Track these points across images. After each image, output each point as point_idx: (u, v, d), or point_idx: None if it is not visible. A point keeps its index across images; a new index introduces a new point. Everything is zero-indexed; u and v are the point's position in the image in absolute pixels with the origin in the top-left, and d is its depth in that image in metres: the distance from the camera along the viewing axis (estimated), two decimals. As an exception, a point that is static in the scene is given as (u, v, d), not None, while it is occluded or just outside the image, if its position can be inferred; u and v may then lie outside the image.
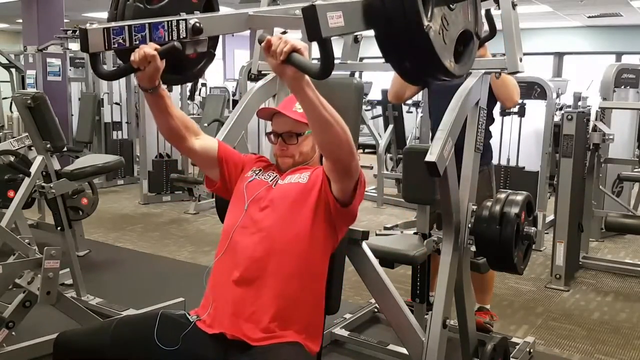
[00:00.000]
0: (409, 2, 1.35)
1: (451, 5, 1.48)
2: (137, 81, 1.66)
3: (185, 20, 1.67)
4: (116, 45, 1.51)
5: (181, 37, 1.65)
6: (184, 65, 1.80)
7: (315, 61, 1.41)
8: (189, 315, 1.70)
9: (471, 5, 1.62)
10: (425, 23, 1.38)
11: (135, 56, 1.53)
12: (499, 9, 1.85)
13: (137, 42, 1.54)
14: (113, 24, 1.52)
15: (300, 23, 1.98)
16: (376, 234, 2.84)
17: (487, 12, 1.84)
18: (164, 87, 1.70)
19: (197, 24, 1.69)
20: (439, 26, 1.45)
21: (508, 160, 5.07)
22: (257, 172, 1.86)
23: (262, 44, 1.41)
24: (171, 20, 1.63)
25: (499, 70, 2.04)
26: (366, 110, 7.89)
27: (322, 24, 1.29)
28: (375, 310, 3.26)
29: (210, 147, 1.83)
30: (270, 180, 1.82)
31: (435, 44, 1.41)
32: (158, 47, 1.56)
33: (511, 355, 2.50)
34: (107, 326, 1.69)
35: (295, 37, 1.43)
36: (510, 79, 2.71)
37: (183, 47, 1.67)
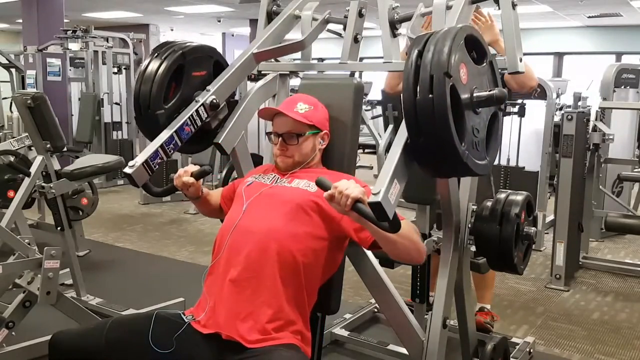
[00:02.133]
0: (447, 142, 1.39)
1: (477, 110, 1.50)
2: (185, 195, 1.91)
3: (202, 104, 1.89)
4: (157, 166, 1.77)
5: (204, 120, 1.90)
6: (213, 132, 1.98)
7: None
8: (184, 315, 1.70)
9: (490, 76, 1.62)
10: (462, 150, 1.42)
11: (176, 182, 1.83)
12: (499, 9, 1.84)
13: (172, 150, 1.81)
14: (147, 153, 1.76)
15: (301, 45, 2.09)
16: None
17: None
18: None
19: (214, 101, 1.92)
20: (471, 140, 1.48)
21: (508, 160, 5.07)
22: (256, 177, 1.88)
23: (325, 195, 1.46)
24: (191, 114, 1.86)
25: (499, 70, 2.03)
26: (366, 110, 7.88)
27: (388, 210, 1.37)
28: (375, 310, 3.26)
29: (216, 203, 2.00)
30: (270, 181, 1.82)
31: (470, 164, 1.46)
32: (194, 169, 1.83)
33: (511, 355, 2.50)
34: (102, 327, 1.68)
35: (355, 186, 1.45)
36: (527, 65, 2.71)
37: (208, 123, 1.93)
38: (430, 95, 1.38)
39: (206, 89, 1.93)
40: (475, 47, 1.54)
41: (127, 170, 1.72)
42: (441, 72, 1.37)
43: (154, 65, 1.91)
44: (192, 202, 2.01)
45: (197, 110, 1.87)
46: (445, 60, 1.38)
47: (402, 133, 1.50)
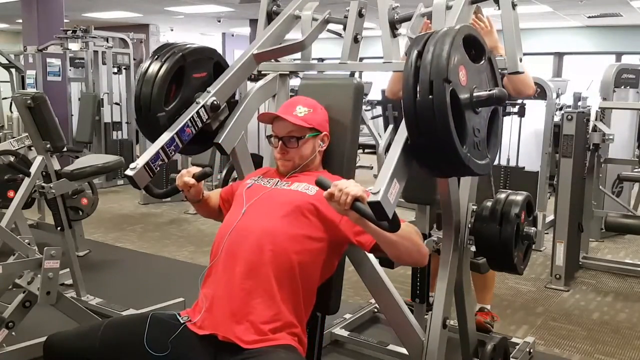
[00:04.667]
0: (448, 145, 1.39)
1: (477, 110, 1.50)
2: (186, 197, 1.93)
3: (203, 106, 1.90)
4: (158, 168, 1.78)
5: (205, 121, 1.91)
6: (214, 133, 1.99)
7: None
8: (180, 316, 1.70)
9: (490, 73, 1.61)
10: (463, 153, 1.42)
11: (178, 182, 1.85)
12: (499, 9, 1.85)
13: (173, 152, 1.82)
14: (148, 155, 1.77)
15: (302, 45, 2.08)
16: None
17: None
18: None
19: (215, 102, 1.93)
20: (472, 141, 1.48)
21: (508, 160, 5.07)
22: (256, 180, 1.88)
23: (324, 194, 1.46)
24: (192, 116, 1.87)
25: (499, 70, 2.03)
26: (366, 110, 7.88)
27: (388, 210, 1.37)
28: (375, 310, 3.26)
29: (215, 205, 2.01)
30: (270, 184, 1.83)
31: (472, 165, 1.46)
32: (196, 171, 1.84)
33: (511, 356, 2.50)
34: (97, 329, 1.68)
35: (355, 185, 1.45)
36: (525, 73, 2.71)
37: (209, 124, 1.94)
38: (430, 97, 1.38)
39: (207, 91, 1.94)
40: (473, 46, 1.54)
41: (128, 172, 1.72)
42: (440, 78, 1.37)
43: (154, 67, 1.91)
44: (191, 204, 2.02)
45: (197, 112, 1.87)
46: (445, 66, 1.38)
47: (402, 132, 1.50)
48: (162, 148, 1.79)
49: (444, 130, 1.38)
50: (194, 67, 1.99)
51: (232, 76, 1.99)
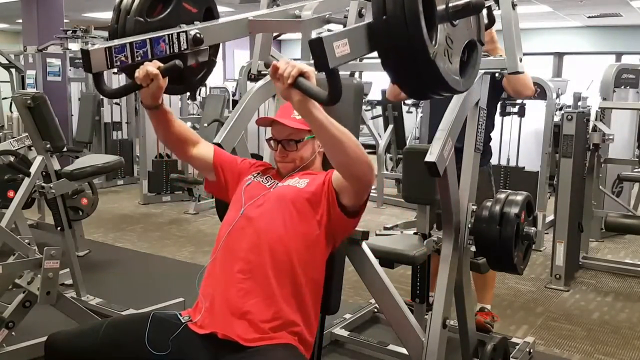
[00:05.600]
0: (413, 27, 1.30)
1: (454, 22, 1.44)
2: (141, 98, 1.69)
3: (186, 32, 1.70)
4: (119, 63, 1.54)
5: (182, 49, 1.69)
6: (186, 75, 1.81)
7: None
8: (181, 316, 1.70)
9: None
10: (431, 51, 1.34)
11: (138, 73, 1.57)
12: (499, 9, 1.84)
13: (140, 58, 1.57)
14: (114, 42, 1.54)
15: (299, 26, 2.00)
16: (376, 234, 2.85)
17: (489, 8, 1.82)
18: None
19: (198, 35, 1.72)
20: (444, 47, 1.41)
21: (508, 160, 5.07)
22: (255, 176, 1.88)
23: (269, 68, 1.40)
24: (172, 34, 1.66)
25: (499, 70, 2.04)
26: (366, 110, 7.87)
27: (329, 56, 1.29)
28: (375, 310, 3.26)
29: (206, 154, 1.88)
30: (269, 184, 1.83)
31: (441, 69, 1.38)
32: (161, 64, 1.59)
33: (511, 356, 2.50)
34: (98, 328, 1.68)
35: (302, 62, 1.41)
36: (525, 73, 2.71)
37: (185, 58, 1.72)
38: None
39: (194, 23, 1.80)
40: None
41: (87, 47, 1.51)
42: None
43: None
44: (147, 111, 1.74)
45: (178, 33, 1.68)
46: None
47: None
48: (131, 44, 1.56)
49: (411, 7, 1.29)
50: None
51: (222, 25, 1.85)
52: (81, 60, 1.54)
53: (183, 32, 1.68)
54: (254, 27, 1.91)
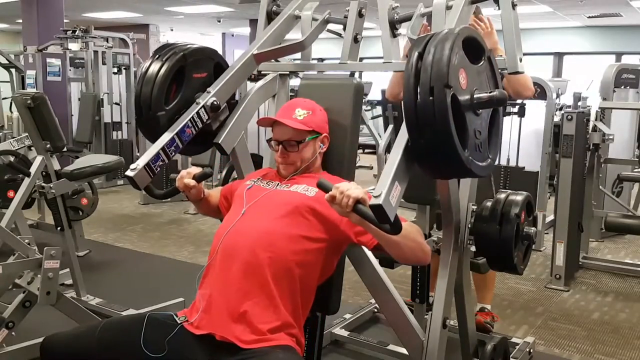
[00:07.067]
0: (449, 148, 1.39)
1: (478, 112, 1.50)
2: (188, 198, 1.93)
3: (203, 106, 1.89)
4: (158, 169, 1.78)
5: (205, 122, 1.90)
6: (214, 133, 1.99)
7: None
8: (177, 316, 1.69)
9: (490, 72, 1.61)
10: (465, 156, 1.41)
11: (178, 184, 1.84)
12: (499, 9, 1.84)
13: (173, 153, 1.82)
14: (149, 156, 1.76)
15: (302, 45, 2.10)
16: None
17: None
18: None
19: (215, 102, 1.92)
20: (474, 143, 1.48)
21: (508, 160, 5.07)
22: (255, 181, 1.88)
23: (326, 197, 1.45)
24: (192, 117, 1.86)
25: (499, 70, 2.03)
26: (366, 110, 7.88)
27: (389, 213, 1.37)
28: (375, 310, 3.26)
29: (215, 203, 2.00)
30: (270, 186, 1.83)
31: (474, 168, 1.46)
32: (196, 172, 1.83)
33: (511, 356, 2.50)
34: (93, 329, 1.68)
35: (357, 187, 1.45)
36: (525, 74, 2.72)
37: (209, 124, 1.94)
38: (430, 98, 1.38)
39: (207, 91, 1.94)
40: (473, 47, 1.54)
41: (129, 173, 1.73)
42: (441, 83, 1.37)
43: (155, 67, 1.92)
44: (193, 204, 2.02)
45: (197, 112, 1.87)
46: (445, 71, 1.38)
47: (403, 135, 1.50)
48: (163, 148, 1.79)
49: (445, 132, 1.38)
50: (195, 67, 2.00)
51: (232, 76, 2.00)
52: (125, 178, 1.78)
53: (201, 108, 1.88)
54: (260, 58, 2.08)
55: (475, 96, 1.47)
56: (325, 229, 1.70)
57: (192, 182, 1.82)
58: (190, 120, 1.85)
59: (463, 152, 1.41)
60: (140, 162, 1.75)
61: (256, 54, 2.04)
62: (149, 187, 1.86)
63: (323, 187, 1.47)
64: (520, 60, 1.82)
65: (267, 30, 2.14)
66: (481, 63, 1.56)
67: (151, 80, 1.89)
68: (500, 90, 1.49)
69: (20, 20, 8.15)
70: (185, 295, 3.18)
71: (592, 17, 10.64)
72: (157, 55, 1.95)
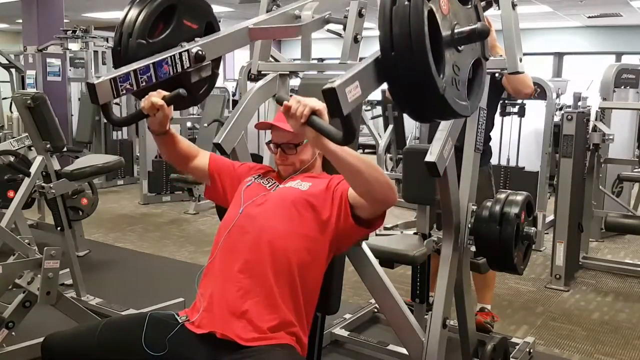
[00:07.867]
0: (422, 64, 1.29)
1: (459, 47, 1.43)
2: (148, 125, 1.77)
3: (187, 50, 1.74)
4: (124, 92, 1.60)
5: (185, 67, 1.74)
6: (190, 90, 1.83)
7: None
8: (178, 316, 1.69)
9: (475, 21, 1.52)
10: (440, 85, 1.32)
11: (144, 104, 1.64)
12: (499, 9, 1.84)
13: (144, 83, 1.62)
14: (118, 72, 1.59)
15: (300, 30, 2.02)
16: (376, 234, 2.84)
17: None
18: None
19: (200, 52, 1.77)
20: (452, 77, 1.40)
21: (508, 160, 5.07)
22: (255, 178, 1.88)
23: (281, 107, 1.42)
24: (174, 55, 1.70)
25: (499, 70, 2.04)
26: (366, 110, 7.88)
27: (343, 103, 1.28)
28: (375, 310, 3.26)
29: (202, 164, 1.93)
30: (269, 186, 1.83)
31: (450, 100, 1.37)
32: (165, 93, 1.64)
33: (511, 355, 2.50)
34: (94, 328, 1.68)
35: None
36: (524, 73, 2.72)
37: (188, 75, 1.77)
38: (407, 3, 1.28)
39: (194, 40, 1.83)
40: None
41: (92, 80, 1.55)
42: None
43: None
44: (154, 137, 1.82)
45: (180, 54, 1.72)
46: None
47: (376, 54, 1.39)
48: (135, 71, 1.61)
49: (418, 42, 1.27)
50: (187, 12, 1.86)
51: (223, 38, 1.88)
52: (88, 92, 1.57)
53: (185, 51, 1.73)
54: (254, 35, 1.95)
55: (456, 30, 1.39)
56: (318, 218, 1.69)
57: (160, 102, 1.64)
58: (170, 57, 1.69)
59: (438, 76, 1.32)
60: (108, 75, 1.58)
61: (251, 27, 1.93)
62: (108, 107, 1.64)
63: (280, 100, 1.43)
64: (520, 60, 1.82)
65: (267, 14, 2.10)
66: (468, 6, 1.48)
67: (139, 7, 1.76)
68: (482, 23, 1.42)
69: (20, 20, 8.15)
70: (185, 295, 3.18)
71: (592, 17, 10.64)
72: None
